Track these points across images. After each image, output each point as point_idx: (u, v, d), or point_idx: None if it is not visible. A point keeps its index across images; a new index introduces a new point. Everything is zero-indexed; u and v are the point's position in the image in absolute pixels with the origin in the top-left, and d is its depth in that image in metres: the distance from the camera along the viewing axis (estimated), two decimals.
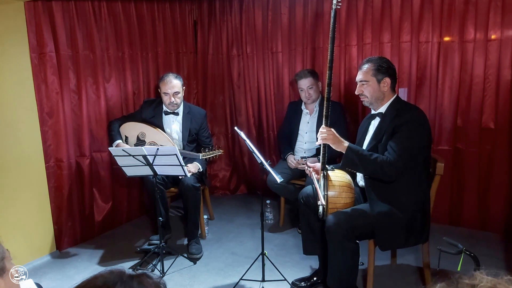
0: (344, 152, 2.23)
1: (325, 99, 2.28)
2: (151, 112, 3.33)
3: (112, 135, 3.25)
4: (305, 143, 3.48)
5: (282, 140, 3.64)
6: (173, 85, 3.18)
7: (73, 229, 3.27)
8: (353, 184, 2.36)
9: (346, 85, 3.67)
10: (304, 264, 2.89)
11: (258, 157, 2.53)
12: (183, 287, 2.70)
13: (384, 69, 2.29)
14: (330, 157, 2.59)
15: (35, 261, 3.03)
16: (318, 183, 2.32)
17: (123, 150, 2.62)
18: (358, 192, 2.48)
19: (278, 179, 2.53)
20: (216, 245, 3.29)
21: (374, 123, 2.39)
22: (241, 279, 2.66)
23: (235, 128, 2.78)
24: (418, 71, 3.38)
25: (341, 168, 2.31)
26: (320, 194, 2.22)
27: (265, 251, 2.66)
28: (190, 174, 3.06)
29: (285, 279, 2.62)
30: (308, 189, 2.57)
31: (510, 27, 3.01)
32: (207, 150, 3.00)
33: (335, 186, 2.26)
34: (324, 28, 3.69)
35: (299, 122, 3.52)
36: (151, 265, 2.92)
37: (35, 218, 3.02)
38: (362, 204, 2.40)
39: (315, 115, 3.44)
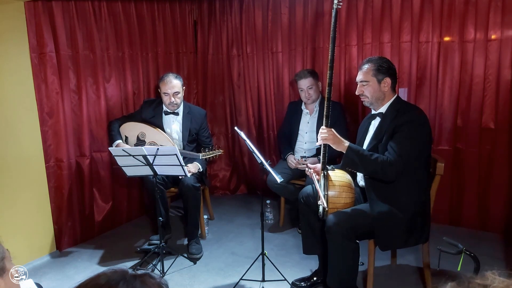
0: (344, 152, 2.23)
1: (326, 99, 2.28)
2: (151, 112, 3.33)
3: (112, 135, 3.25)
4: (305, 143, 3.48)
5: (282, 140, 3.64)
6: (173, 85, 3.18)
7: (73, 229, 3.27)
8: (353, 184, 2.36)
9: (346, 85, 3.67)
10: (304, 264, 2.89)
11: (258, 157, 2.53)
12: (183, 287, 2.70)
13: (385, 69, 2.29)
14: (330, 157, 2.59)
15: (35, 261, 3.03)
16: (318, 183, 2.31)
17: (123, 150, 2.62)
18: (358, 192, 2.48)
19: (278, 179, 2.53)
20: (216, 245, 3.29)
21: (375, 123, 2.39)
22: (241, 279, 2.66)
23: (235, 128, 2.78)
24: (418, 71, 3.38)
25: (342, 168, 2.31)
26: (321, 195, 2.22)
27: (265, 251, 2.66)
28: (190, 174, 3.06)
29: (285, 279, 2.62)
30: (308, 189, 2.57)
31: (510, 27, 3.01)
32: (207, 150, 3.00)
33: (335, 186, 2.26)
34: (324, 28, 3.69)
35: (299, 122, 3.51)
36: (151, 265, 2.92)
37: (35, 218, 3.02)
38: (362, 204, 2.41)
39: (315, 115, 3.44)
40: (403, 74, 3.41)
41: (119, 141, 3.22)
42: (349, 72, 3.64)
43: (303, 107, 3.51)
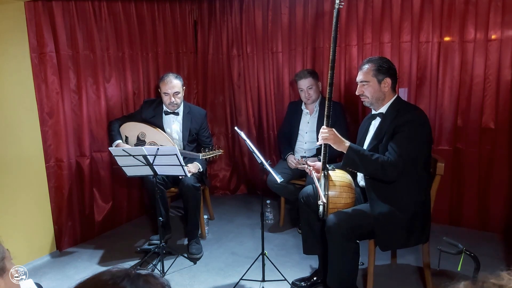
0: (345, 152, 2.23)
1: (327, 99, 2.28)
2: (151, 112, 3.33)
3: (112, 135, 3.25)
4: (305, 143, 3.48)
5: (282, 140, 3.64)
6: (173, 85, 3.18)
7: (73, 229, 3.27)
8: (353, 184, 2.36)
9: (347, 85, 3.67)
10: (304, 264, 2.89)
11: (258, 157, 2.53)
12: (183, 287, 2.70)
13: (385, 69, 2.29)
14: (331, 157, 2.59)
15: (35, 261, 3.03)
16: (318, 182, 2.32)
17: (123, 150, 2.62)
18: (358, 192, 2.48)
19: (278, 179, 2.53)
20: (216, 245, 3.29)
21: (375, 123, 2.39)
22: (241, 279, 2.66)
23: (235, 128, 2.78)
24: (418, 71, 3.38)
25: (342, 167, 2.31)
26: (321, 192, 2.22)
27: (265, 251, 2.66)
28: (190, 174, 3.06)
29: (285, 279, 2.62)
30: (308, 188, 2.57)
31: (510, 27, 3.01)
32: (207, 150, 3.00)
33: (335, 186, 2.26)
34: (325, 28, 3.69)
35: (299, 122, 3.51)
36: (151, 265, 2.92)
37: (35, 218, 3.02)
38: (362, 204, 2.41)
39: (315, 115, 3.44)
40: (403, 74, 3.41)
41: (119, 141, 3.22)
42: (349, 72, 3.64)
43: (303, 107, 3.51)
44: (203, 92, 4.33)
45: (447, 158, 3.20)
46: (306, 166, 2.49)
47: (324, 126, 2.29)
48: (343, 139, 2.26)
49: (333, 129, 2.28)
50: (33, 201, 3.00)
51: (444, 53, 3.28)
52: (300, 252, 2.86)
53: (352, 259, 2.26)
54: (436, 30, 3.26)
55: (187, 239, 3.26)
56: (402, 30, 3.36)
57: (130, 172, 2.77)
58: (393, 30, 3.39)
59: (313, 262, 2.83)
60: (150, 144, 3.18)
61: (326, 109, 2.28)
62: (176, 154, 2.56)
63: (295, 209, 3.56)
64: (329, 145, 2.28)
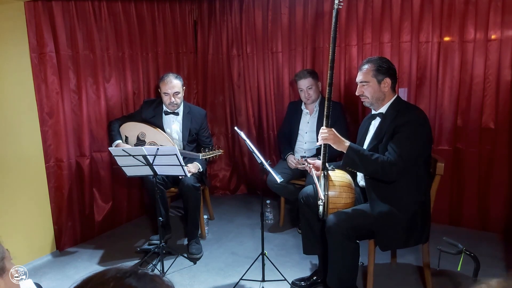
0: (345, 152, 2.23)
1: (326, 99, 2.28)
2: (151, 112, 3.33)
3: (112, 135, 3.25)
4: (305, 143, 3.48)
5: (282, 140, 3.64)
6: (173, 85, 3.18)
7: (73, 229, 3.27)
8: (353, 184, 2.36)
9: (346, 85, 3.67)
10: (304, 264, 2.89)
11: (258, 157, 2.53)
12: (183, 287, 2.70)
13: (385, 69, 2.29)
14: (331, 157, 2.59)
15: (35, 261, 3.03)
16: (318, 180, 2.32)
17: (123, 150, 2.62)
18: (358, 192, 2.48)
19: (278, 179, 2.53)
20: (216, 245, 3.29)
21: (375, 123, 2.39)
22: (241, 279, 2.66)
23: (235, 128, 2.78)
24: (418, 71, 3.38)
25: (342, 167, 2.31)
26: (320, 191, 2.22)
27: (265, 251, 2.66)
28: (190, 174, 3.06)
29: (285, 279, 2.62)
30: (308, 188, 2.57)
31: (510, 27, 3.01)
32: (207, 150, 3.00)
33: (335, 186, 2.26)
34: (324, 28, 3.69)
35: (299, 122, 3.52)
36: (151, 265, 2.92)
37: (35, 218, 3.02)
38: (362, 204, 2.40)
39: (315, 115, 3.44)
40: (403, 74, 3.41)
41: (119, 141, 3.22)
42: (349, 72, 3.64)
43: (303, 107, 3.51)
44: (203, 92, 4.33)
45: (447, 158, 3.20)
46: (306, 164, 2.49)
47: (323, 126, 2.29)
48: (343, 139, 2.26)
49: (333, 129, 2.28)
50: (33, 201, 3.00)
51: (444, 53, 3.28)
52: (300, 252, 2.86)
53: (352, 259, 2.26)
54: (436, 30, 3.25)
55: (187, 239, 3.26)
56: (402, 30, 3.36)
57: (130, 172, 2.77)
58: (393, 30, 3.39)
59: (313, 262, 2.83)
60: (150, 144, 3.18)
61: (325, 109, 2.28)
62: (176, 154, 2.56)
63: (295, 209, 3.56)
64: (329, 145, 2.28)
